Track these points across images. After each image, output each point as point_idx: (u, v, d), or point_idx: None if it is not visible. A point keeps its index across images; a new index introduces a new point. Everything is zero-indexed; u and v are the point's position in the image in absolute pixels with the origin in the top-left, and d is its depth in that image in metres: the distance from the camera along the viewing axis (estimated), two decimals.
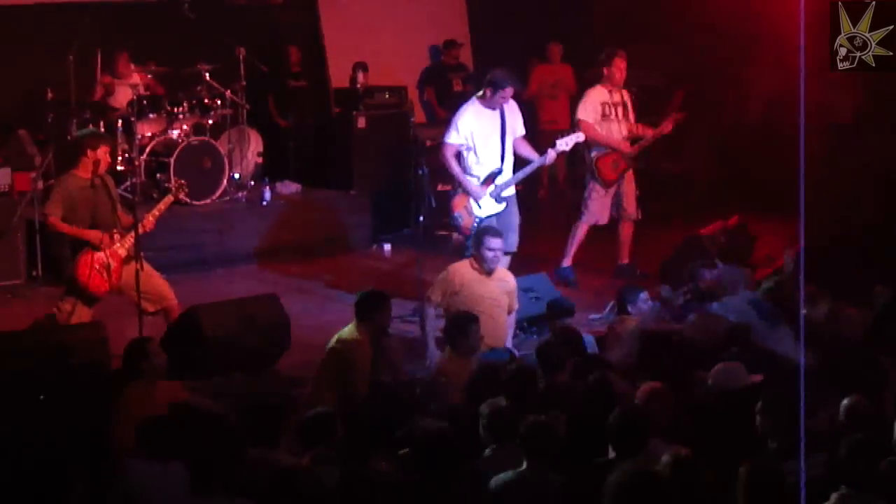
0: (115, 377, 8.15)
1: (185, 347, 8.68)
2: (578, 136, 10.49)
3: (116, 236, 9.16)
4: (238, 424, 6.70)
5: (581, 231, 11.61)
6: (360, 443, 6.30)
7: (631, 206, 11.67)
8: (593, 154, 11.42)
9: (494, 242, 9.26)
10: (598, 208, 11.58)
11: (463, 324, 8.41)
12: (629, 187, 11.66)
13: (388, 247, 13.42)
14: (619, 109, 11.51)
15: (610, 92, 11.49)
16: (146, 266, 9.17)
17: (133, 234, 9.06)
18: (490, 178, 10.23)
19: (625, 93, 11.59)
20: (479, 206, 10.21)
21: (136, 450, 6.35)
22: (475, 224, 10.15)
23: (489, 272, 9.27)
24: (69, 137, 12.04)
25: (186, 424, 6.40)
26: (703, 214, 12.27)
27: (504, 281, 9.40)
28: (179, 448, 6.01)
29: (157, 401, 7.32)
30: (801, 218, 4.45)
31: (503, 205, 10.27)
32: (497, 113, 10.21)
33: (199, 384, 8.32)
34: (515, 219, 10.40)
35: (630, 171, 11.61)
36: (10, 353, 8.17)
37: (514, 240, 10.30)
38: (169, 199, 9.56)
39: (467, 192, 10.21)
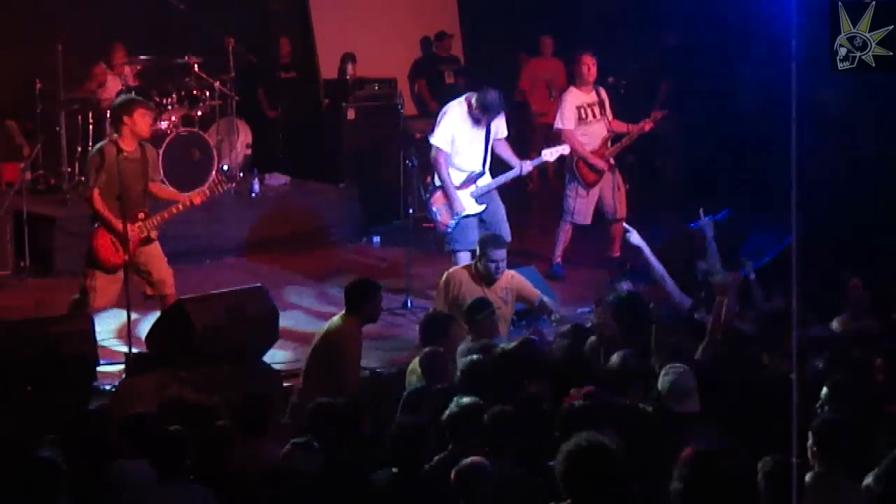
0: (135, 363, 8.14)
1: (172, 338, 8.64)
2: (564, 149, 10.76)
3: (141, 215, 9.08)
4: (226, 416, 6.70)
5: (566, 231, 11.66)
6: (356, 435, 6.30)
7: (610, 207, 11.66)
8: (573, 159, 11.44)
9: (498, 254, 9.11)
10: (580, 208, 11.57)
11: (443, 324, 8.28)
12: (607, 188, 11.64)
13: (377, 239, 13.40)
14: (596, 109, 11.53)
15: (585, 92, 11.51)
16: (158, 251, 9.25)
17: (159, 216, 9.11)
18: (471, 180, 10.36)
19: (601, 90, 11.62)
20: (452, 204, 10.33)
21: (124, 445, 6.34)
22: (454, 220, 10.26)
23: (490, 282, 9.13)
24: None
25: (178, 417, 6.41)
26: (695, 207, 12.21)
27: (506, 289, 9.17)
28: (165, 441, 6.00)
29: (154, 394, 7.33)
30: (794, 210, 4.44)
31: (483, 206, 10.37)
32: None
33: (187, 376, 8.28)
34: (501, 210, 10.49)
35: (608, 176, 11.61)
36: None
37: (506, 230, 10.34)
38: (222, 178, 9.63)
39: (450, 200, 10.31)
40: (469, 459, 5.50)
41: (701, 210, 9.79)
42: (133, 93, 12.91)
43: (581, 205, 11.55)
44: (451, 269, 9.57)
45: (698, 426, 6.34)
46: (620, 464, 5.09)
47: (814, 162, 10.98)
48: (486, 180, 10.37)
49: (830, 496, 5.35)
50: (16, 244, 11.45)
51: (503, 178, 10.44)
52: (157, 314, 9.11)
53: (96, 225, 9.07)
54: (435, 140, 10.34)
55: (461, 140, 10.32)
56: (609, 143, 11.55)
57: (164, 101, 13.13)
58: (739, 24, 13.56)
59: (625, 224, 9.29)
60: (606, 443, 5.09)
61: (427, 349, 7.62)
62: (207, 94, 13.49)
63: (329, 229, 13.38)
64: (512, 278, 9.28)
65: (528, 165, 10.44)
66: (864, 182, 11.90)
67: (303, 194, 13.79)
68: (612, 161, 11.57)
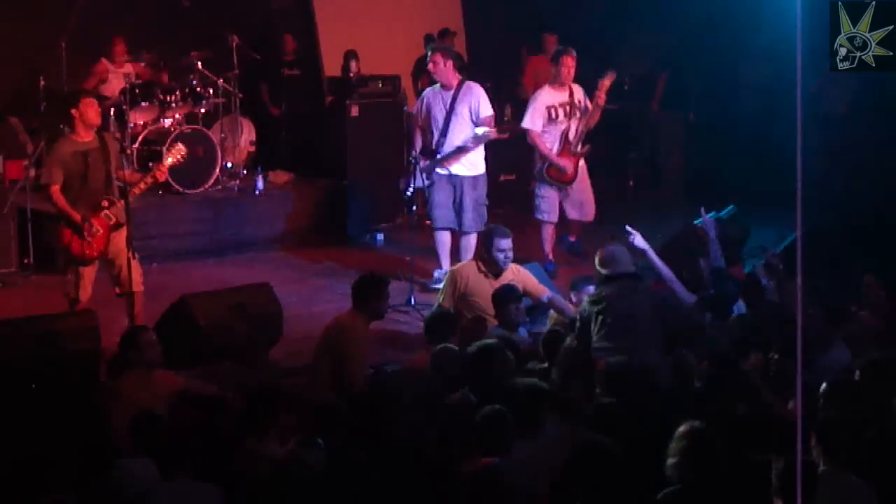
0: (110, 366, 8.14)
1: (177, 336, 8.65)
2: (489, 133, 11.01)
3: (105, 203, 9.08)
4: (231, 413, 6.71)
5: (548, 232, 11.65)
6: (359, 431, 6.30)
7: (587, 207, 11.72)
8: (543, 165, 11.48)
9: (504, 243, 9.17)
10: (549, 207, 11.60)
11: (450, 322, 8.28)
12: (582, 186, 11.67)
13: (380, 236, 13.39)
14: (567, 108, 11.48)
15: (559, 91, 11.47)
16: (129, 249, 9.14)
17: (124, 200, 9.03)
18: (427, 154, 11.02)
19: (576, 89, 11.55)
20: (416, 176, 11.09)
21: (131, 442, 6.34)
22: (409, 190, 11.23)
23: (497, 274, 9.16)
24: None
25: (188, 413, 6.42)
26: (699, 205, 12.21)
27: (511, 282, 9.14)
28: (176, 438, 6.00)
29: (155, 391, 7.32)
30: (799, 207, 4.44)
31: (428, 182, 10.99)
32: (450, 94, 10.97)
33: (191, 373, 8.30)
34: (468, 199, 10.94)
35: (583, 169, 11.64)
36: (1, 341, 8.13)
37: (466, 220, 10.99)
38: (180, 147, 9.64)
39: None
40: (483, 460, 5.50)
41: (702, 208, 9.81)
42: (137, 90, 13.02)
43: (550, 204, 11.58)
44: (456, 265, 9.63)
45: (624, 280, 7.86)
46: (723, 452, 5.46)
47: (819, 158, 11.04)
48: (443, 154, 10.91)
49: (838, 494, 5.37)
50: (20, 241, 11.46)
51: (453, 150, 10.92)
52: None
53: (62, 223, 9.09)
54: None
55: (426, 117, 11.09)
56: (580, 140, 11.48)
57: (168, 99, 13.13)
58: (742, 21, 13.58)
59: (627, 227, 9.26)
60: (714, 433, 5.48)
61: (440, 346, 7.61)
62: (211, 91, 13.50)
63: (332, 226, 13.38)
64: (517, 272, 9.31)
65: (492, 133, 10.95)
66: (872, 177, 11.88)
67: (306, 191, 13.79)
68: (580, 159, 11.55)
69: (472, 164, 11.05)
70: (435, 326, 8.14)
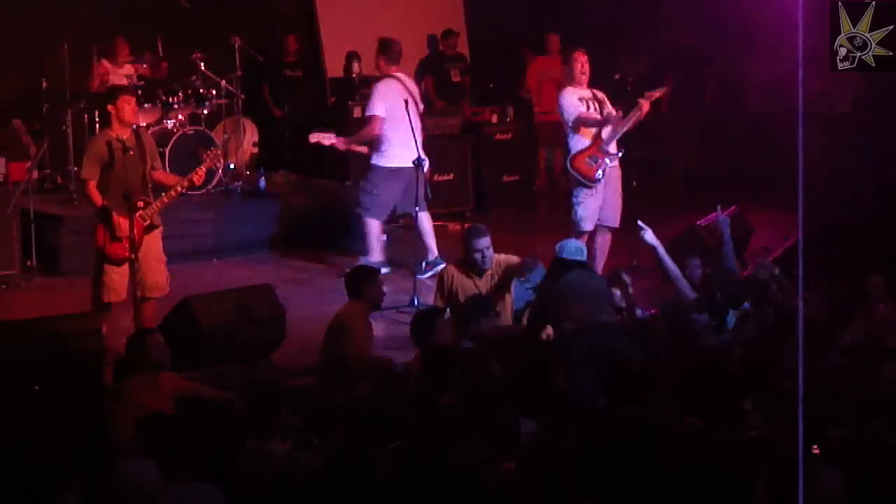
0: (118, 368, 8.13)
1: (180, 337, 8.64)
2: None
3: (140, 204, 9.05)
4: (235, 414, 6.72)
5: (603, 241, 10.94)
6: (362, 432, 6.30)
7: (610, 212, 10.89)
8: (568, 157, 10.83)
9: (480, 242, 8.95)
10: (591, 213, 10.79)
11: (429, 320, 8.19)
12: (612, 192, 10.91)
13: (384, 237, 13.36)
14: (595, 104, 10.86)
15: (579, 89, 10.88)
16: (157, 246, 9.20)
17: (159, 201, 9.07)
18: None
19: (596, 91, 10.97)
20: None
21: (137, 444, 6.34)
22: None
23: (480, 273, 9.02)
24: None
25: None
26: (702, 205, 12.21)
27: (494, 273, 9.03)
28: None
29: (162, 393, 7.32)
30: (801, 208, 4.44)
31: None
32: None
33: (194, 374, 8.29)
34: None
35: (616, 172, 10.94)
36: (4, 343, 8.12)
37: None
38: (218, 153, 9.65)
39: None
40: (506, 465, 5.50)
41: (719, 206, 9.80)
42: (139, 91, 13.00)
43: (592, 208, 10.73)
44: (446, 265, 9.59)
45: (580, 270, 8.31)
46: None
47: (824, 158, 11.01)
48: None
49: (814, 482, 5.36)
50: (23, 243, 11.45)
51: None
52: None
53: (98, 222, 9.07)
54: None
55: None
56: (612, 141, 10.83)
57: (171, 100, 13.14)
58: (747, 21, 13.58)
59: (639, 222, 9.15)
60: None
61: (427, 347, 7.60)
62: (214, 92, 13.51)
63: (335, 227, 13.35)
64: (498, 265, 9.11)
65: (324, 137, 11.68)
66: (879, 177, 11.88)
67: (309, 192, 13.79)
68: (611, 160, 10.79)
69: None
70: (416, 327, 8.11)
